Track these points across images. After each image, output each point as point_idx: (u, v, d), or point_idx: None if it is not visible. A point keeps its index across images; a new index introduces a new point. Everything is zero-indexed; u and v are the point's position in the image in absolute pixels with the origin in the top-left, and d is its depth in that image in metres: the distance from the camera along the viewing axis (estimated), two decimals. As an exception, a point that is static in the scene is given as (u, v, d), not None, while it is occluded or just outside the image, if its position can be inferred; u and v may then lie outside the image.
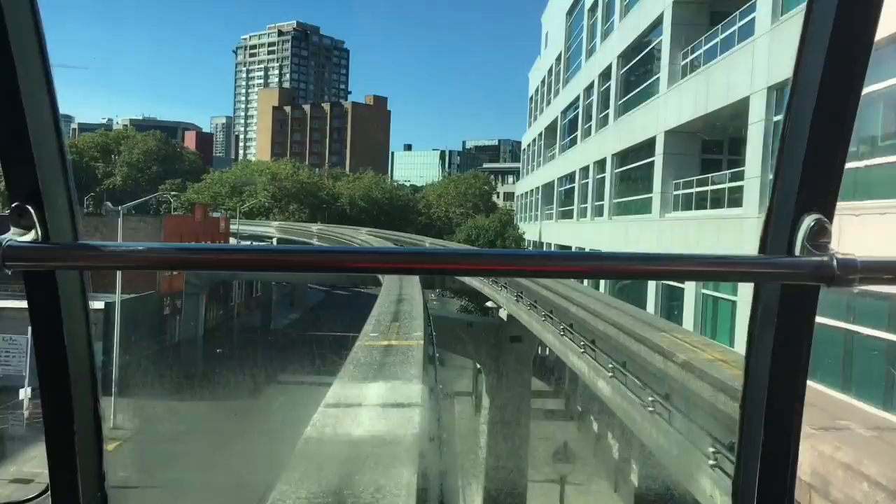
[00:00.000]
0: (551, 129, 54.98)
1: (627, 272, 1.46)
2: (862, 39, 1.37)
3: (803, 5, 1.43)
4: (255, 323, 64.65)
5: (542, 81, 58.78)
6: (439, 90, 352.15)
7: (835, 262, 1.34)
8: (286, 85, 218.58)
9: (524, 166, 72.16)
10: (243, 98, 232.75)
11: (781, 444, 1.65)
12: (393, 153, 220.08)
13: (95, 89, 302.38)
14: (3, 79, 1.34)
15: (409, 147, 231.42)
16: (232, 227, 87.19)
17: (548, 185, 54.59)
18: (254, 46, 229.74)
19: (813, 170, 1.44)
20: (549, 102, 55.97)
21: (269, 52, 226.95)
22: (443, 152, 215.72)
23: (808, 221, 1.41)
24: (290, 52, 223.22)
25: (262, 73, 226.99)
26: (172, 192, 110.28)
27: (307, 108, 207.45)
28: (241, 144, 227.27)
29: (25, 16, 1.36)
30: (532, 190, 62.19)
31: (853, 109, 1.41)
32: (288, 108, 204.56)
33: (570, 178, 45.13)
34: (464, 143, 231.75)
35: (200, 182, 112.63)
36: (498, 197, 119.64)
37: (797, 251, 1.42)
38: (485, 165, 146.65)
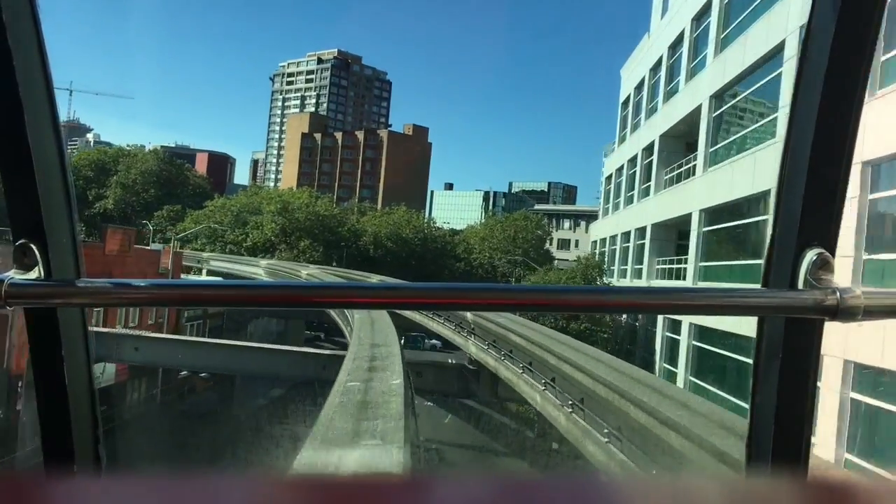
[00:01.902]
0: (674, 136, 34.61)
1: (630, 306, 1.42)
2: (859, 68, 1.35)
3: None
4: (211, 405, 44.53)
5: (655, 68, 38.56)
6: (485, 128, 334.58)
7: (838, 296, 1.32)
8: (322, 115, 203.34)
9: (607, 201, 51.68)
10: (277, 127, 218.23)
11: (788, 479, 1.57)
12: (432, 192, 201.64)
13: (139, 119, 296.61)
14: (9, 113, 1.34)
15: (450, 186, 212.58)
16: (214, 263, 68.31)
17: (663, 224, 34.03)
18: (291, 74, 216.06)
19: (813, 203, 1.41)
20: (668, 96, 35.69)
21: (308, 80, 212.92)
22: (487, 193, 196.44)
23: (811, 255, 1.40)
24: (328, 81, 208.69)
25: (298, 102, 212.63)
26: (169, 220, 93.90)
27: (339, 135, 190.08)
28: (271, 174, 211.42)
29: (32, 52, 1.37)
30: (626, 233, 41.60)
31: (852, 141, 1.38)
32: (318, 136, 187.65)
33: (732, 209, 24.52)
34: (510, 184, 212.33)
35: (202, 209, 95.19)
36: (551, 244, 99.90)
37: (800, 285, 1.40)
38: (536, 206, 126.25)
